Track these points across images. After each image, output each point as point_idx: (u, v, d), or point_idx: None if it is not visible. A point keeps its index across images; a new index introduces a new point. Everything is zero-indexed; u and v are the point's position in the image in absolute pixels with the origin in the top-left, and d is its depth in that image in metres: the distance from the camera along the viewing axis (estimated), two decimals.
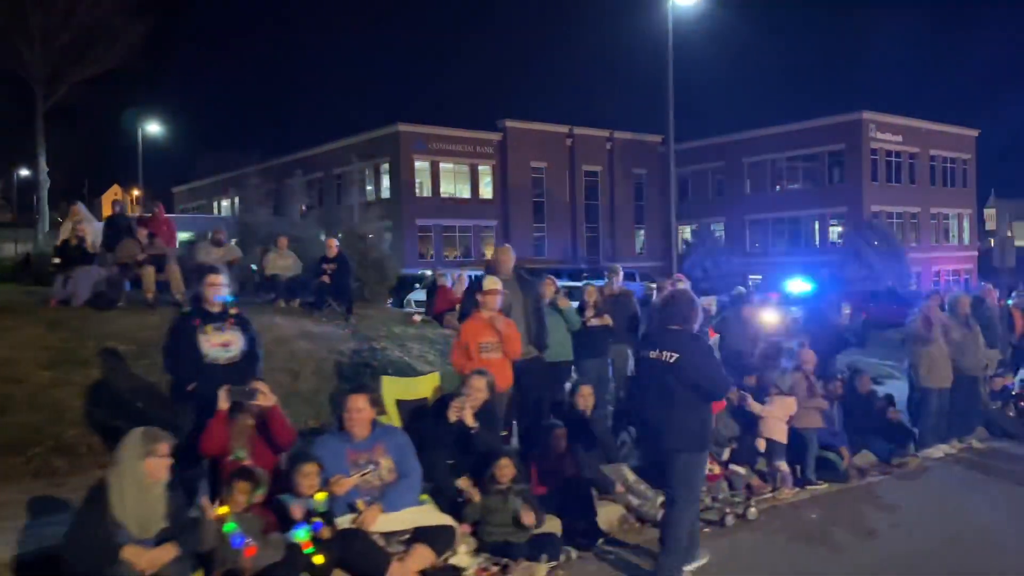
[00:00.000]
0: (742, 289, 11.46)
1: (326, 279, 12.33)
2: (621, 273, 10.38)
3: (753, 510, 6.77)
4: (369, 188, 52.30)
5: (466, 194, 51.74)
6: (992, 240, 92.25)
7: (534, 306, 7.39)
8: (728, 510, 6.60)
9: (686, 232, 55.64)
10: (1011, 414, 11.60)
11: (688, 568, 5.43)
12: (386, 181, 50.56)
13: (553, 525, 5.97)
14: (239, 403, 5.17)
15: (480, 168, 52.01)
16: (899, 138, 49.10)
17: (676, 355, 5.25)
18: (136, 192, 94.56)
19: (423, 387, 6.32)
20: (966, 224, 54.36)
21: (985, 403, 11.03)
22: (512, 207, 51.94)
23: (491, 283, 6.74)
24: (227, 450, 5.16)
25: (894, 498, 7.57)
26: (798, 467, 7.76)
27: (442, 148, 49.92)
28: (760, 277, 44.88)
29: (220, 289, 5.68)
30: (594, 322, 9.37)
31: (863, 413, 9.24)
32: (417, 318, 12.62)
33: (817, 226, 50.38)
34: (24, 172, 65.62)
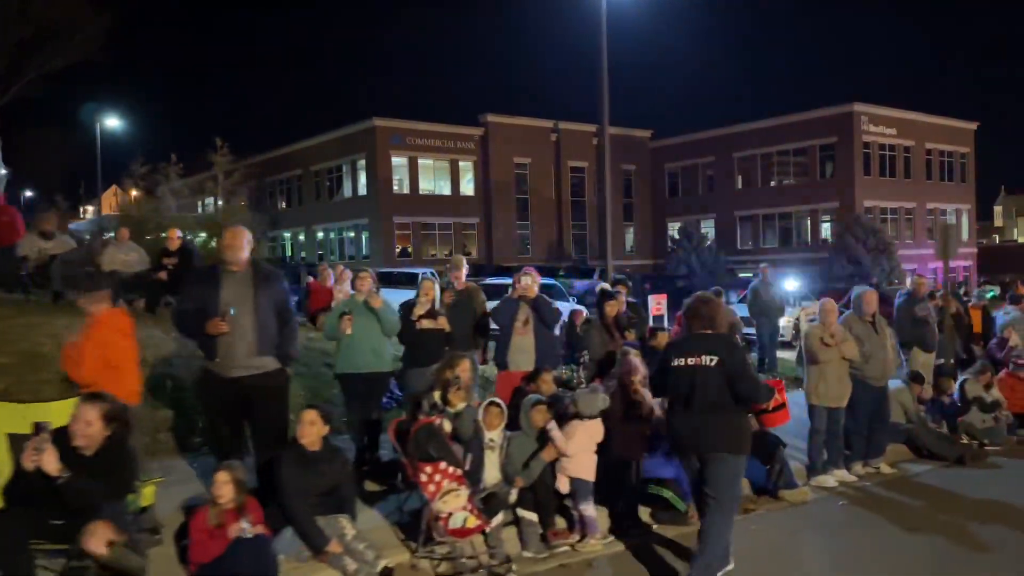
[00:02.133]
0: (607, 286, 9.82)
1: (163, 275, 10.85)
2: (465, 267, 8.86)
3: None
4: (346, 184, 51.02)
5: (447, 190, 50.25)
6: (997, 237, 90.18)
7: (276, 306, 5.83)
8: None
9: (674, 230, 54.16)
10: (943, 430, 10.03)
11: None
12: (363, 177, 49.09)
13: None
14: None
15: (461, 164, 50.52)
16: (893, 131, 47.29)
17: (715, 358, 5.27)
18: (134, 192, 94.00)
19: (53, 415, 4.70)
20: (965, 220, 52.43)
21: (911, 418, 9.44)
22: (495, 204, 50.44)
23: None
24: None
25: None
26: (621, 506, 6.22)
27: (421, 143, 48.49)
28: (751, 275, 43.33)
29: None
30: (425, 324, 7.88)
31: None
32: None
33: (809, 222, 48.63)
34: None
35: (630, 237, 57.32)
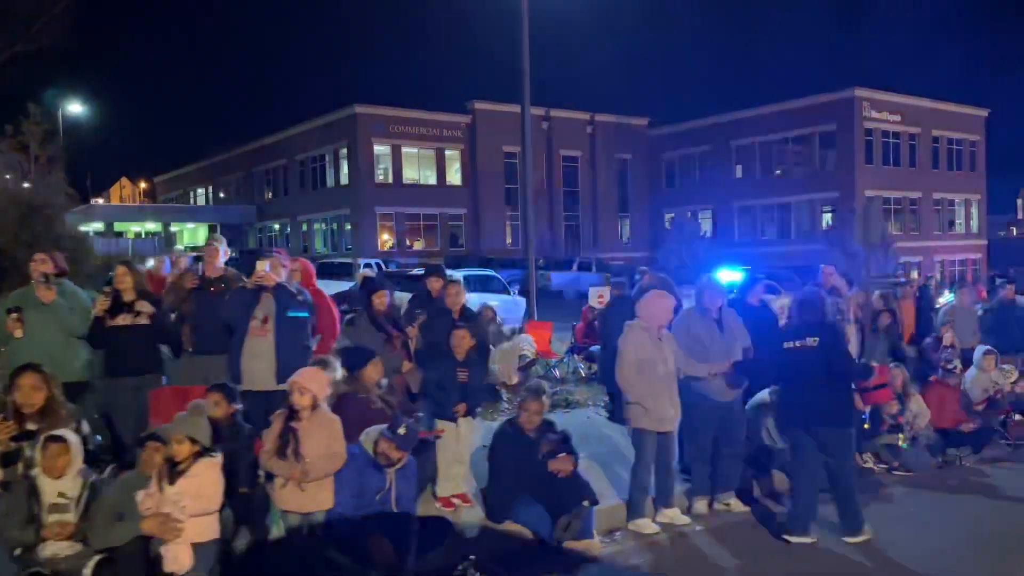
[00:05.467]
0: (371, 273, 7.94)
1: None
2: (222, 249, 7.18)
3: None
4: (329, 174, 49.49)
5: (432, 180, 48.57)
6: (1015, 229, 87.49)
7: None
8: None
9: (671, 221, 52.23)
10: None
11: (855, 539, 6.08)
12: (345, 167, 47.48)
13: None
14: None
15: (447, 153, 48.82)
16: (897, 117, 45.03)
17: (817, 339, 6.07)
18: (144, 184, 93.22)
19: None
20: (974, 211, 50.07)
21: (776, 439, 7.63)
22: (482, 194, 48.68)
23: None
24: None
25: None
26: None
27: (405, 131, 46.82)
28: (749, 267, 41.43)
29: None
30: (122, 321, 6.21)
31: (518, 465, 5.94)
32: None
33: (808, 213, 46.46)
34: None
35: (626, 228, 55.39)
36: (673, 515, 6.45)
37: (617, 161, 54.01)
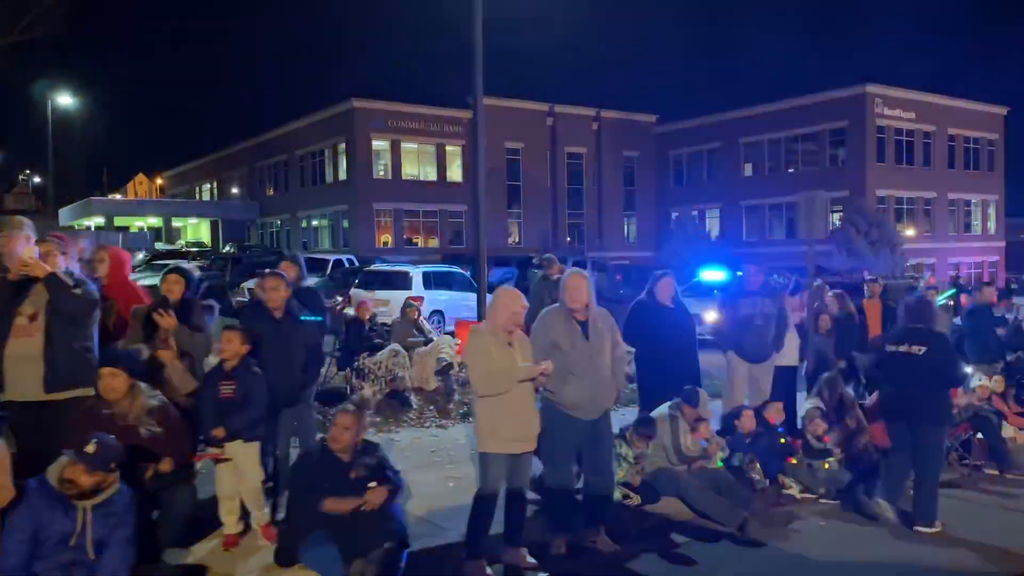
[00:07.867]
0: (193, 268, 6.81)
1: None
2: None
3: None
4: (328, 170, 48.61)
5: (432, 176, 47.53)
6: None
7: None
8: None
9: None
10: (756, 476, 7.11)
11: (928, 529, 6.32)
12: (344, 162, 46.57)
13: None
14: None
15: (448, 148, 47.81)
16: (912, 115, 43.45)
17: (924, 348, 6.39)
18: (160, 181, 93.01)
19: None
20: (992, 212, 48.34)
21: (670, 460, 6.53)
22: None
23: None
24: None
25: None
26: None
27: (404, 126, 45.84)
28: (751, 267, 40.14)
29: None
30: None
31: (320, 494, 4.89)
32: None
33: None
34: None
35: (632, 227, 54.16)
36: (519, 556, 5.36)
37: (623, 158, 52.81)
